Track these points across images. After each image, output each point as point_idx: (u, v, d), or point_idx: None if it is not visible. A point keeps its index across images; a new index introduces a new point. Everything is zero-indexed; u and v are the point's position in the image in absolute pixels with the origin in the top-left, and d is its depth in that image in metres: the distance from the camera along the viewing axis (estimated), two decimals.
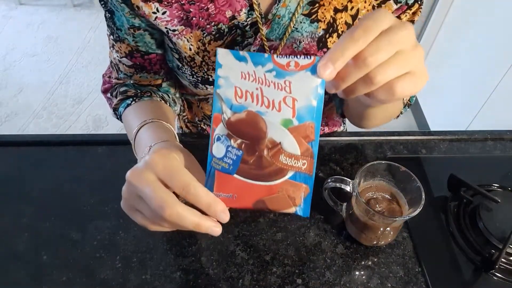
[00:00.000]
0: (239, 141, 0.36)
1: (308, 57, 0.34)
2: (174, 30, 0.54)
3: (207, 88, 0.61)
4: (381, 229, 0.56)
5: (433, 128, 1.95)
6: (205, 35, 0.54)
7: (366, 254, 0.59)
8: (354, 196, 0.56)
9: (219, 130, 0.37)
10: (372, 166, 0.57)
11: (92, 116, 2.16)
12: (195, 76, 0.59)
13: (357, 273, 0.57)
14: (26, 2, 2.93)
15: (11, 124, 2.11)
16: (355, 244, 0.60)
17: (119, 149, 0.71)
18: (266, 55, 0.35)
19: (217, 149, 0.37)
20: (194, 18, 0.53)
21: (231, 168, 0.37)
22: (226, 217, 0.37)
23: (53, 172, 0.69)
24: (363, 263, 0.58)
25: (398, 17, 0.58)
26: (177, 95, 0.72)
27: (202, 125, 0.81)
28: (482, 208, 0.62)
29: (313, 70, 0.34)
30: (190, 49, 0.56)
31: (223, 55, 0.35)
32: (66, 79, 2.36)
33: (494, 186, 0.67)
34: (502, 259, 0.57)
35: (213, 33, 0.54)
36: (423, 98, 2.06)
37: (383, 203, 0.57)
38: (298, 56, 0.34)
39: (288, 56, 0.35)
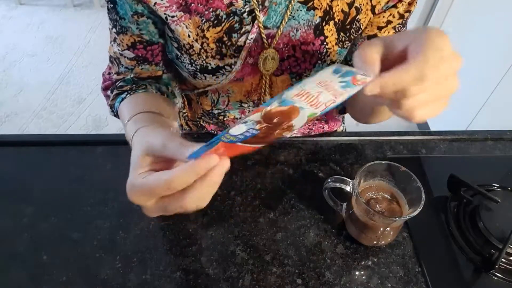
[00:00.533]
0: (264, 125, 0.36)
1: (368, 75, 0.37)
2: (173, 16, 0.54)
3: (205, 78, 0.61)
4: (381, 229, 0.56)
5: (433, 128, 1.94)
6: (203, 21, 0.54)
7: (366, 254, 0.59)
8: (354, 196, 0.56)
9: (252, 117, 0.36)
10: (372, 166, 0.57)
11: (92, 116, 2.16)
12: (193, 65, 0.59)
13: (357, 273, 0.57)
14: (26, 2, 2.93)
15: (11, 124, 2.11)
16: (355, 244, 0.60)
17: (119, 149, 0.71)
18: (354, 69, 0.36)
19: (237, 129, 0.36)
20: (192, 4, 0.53)
21: (238, 140, 0.36)
22: (226, 162, 0.36)
23: (53, 172, 0.69)
24: (363, 263, 0.58)
25: (395, 6, 0.58)
26: (177, 89, 0.72)
27: (201, 122, 0.81)
28: (482, 208, 0.62)
29: (356, 87, 0.37)
30: (189, 36, 0.56)
31: (326, 70, 0.37)
32: (66, 79, 2.36)
33: (494, 186, 0.67)
34: (502, 259, 0.57)
35: (212, 19, 0.54)
36: None
37: (383, 203, 0.57)
38: (365, 75, 0.37)
39: (366, 76, 0.36)
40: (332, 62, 0.61)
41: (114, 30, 0.59)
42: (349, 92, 0.37)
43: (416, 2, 0.60)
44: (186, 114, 0.83)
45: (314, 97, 0.36)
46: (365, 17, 0.59)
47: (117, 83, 0.65)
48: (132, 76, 0.65)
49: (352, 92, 0.37)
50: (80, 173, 0.69)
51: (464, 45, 1.72)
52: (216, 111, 0.73)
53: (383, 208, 0.56)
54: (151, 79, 0.66)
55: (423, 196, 0.53)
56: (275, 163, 0.71)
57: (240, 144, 0.37)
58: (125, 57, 0.62)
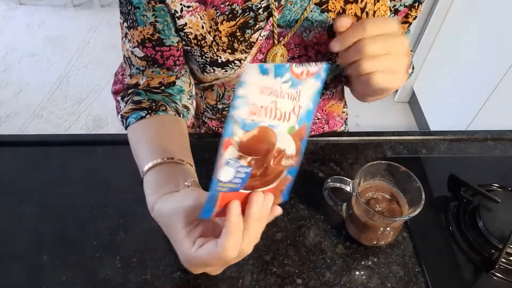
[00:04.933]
0: (249, 158, 0.35)
1: (316, 63, 0.35)
2: (188, 7, 0.54)
3: (214, 71, 0.60)
4: (381, 229, 0.56)
5: (433, 128, 1.95)
6: (218, 14, 0.54)
7: (366, 254, 0.59)
8: (354, 196, 0.56)
9: (229, 154, 0.35)
10: (372, 166, 0.57)
11: (92, 116, 2.16)
12: (203, 57, 0.59)
13: (357, 273, 0.57)
14: (26, 2, 2.93)
15: (11, 124, 2.11)
16: (355, 244, 0.60)
17: (119, 149, 0.71)
18: (286, 65, 0.34)
19: (225, 174, 0.35)
20: None
21: (239, 186, 0.36)
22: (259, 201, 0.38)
23: (53, 172, 0.69)
24: (363, 263, 0.58)
25: (406, 16, 0.61)
26: (193, 92, 0.70)
27: (204, 118, 0.81)
28: (482, 208, 0.62)
29: (318, 76, 0.35)
30: (203, 27, 0.56)
31: (249, 70, 0.33)
32: (66, 79, 2.36)
33: (494, 186, 0.67)
34: (502, 259, 0.57)
35: (227, 13, 0.54)
36: (423, 98, 2.06)
37: (383, 203, 0.57)
38: (309, 64, 0.35)
39: (303, 64, 0.34)
40: None
41: (125, 24, 0.58)
42: (305, 89, 0.35)
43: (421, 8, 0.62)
44: None
45: (273, 109, 0.34)
46: None
47: (132, 96, 0.63)
48: (144, 80, 0.63)
49: (307, 88, 0.35)
50: (80, 173, 0.69)
51: (464, 45, 1.72)
52: (220, 106, 0.73)
53: (383, 208, 0.56)
54: (164, 86, 0.65)
55: (423, 196, 0.53)
56: None
57: (244, 191, 0.36)
58: (135, 55, 0.60)
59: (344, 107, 0.88)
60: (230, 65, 0.59)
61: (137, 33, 0.58)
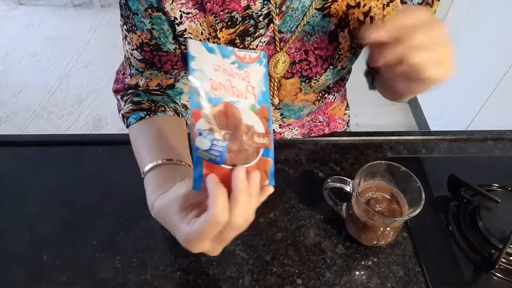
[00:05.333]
0: (223, 132, 0.38)
1: (255, 51, 0.41)
2: (188, 13, 0.54)
3: None
4: (381, 229, 0.56)
5: (433, 128, 1.95)
6: (217, 21, 0.54)
7: (366, 254, 0.59)
8: (354, 196, 0.56)
9: (200, 125, 0.37)
10: (372, 166, 0.57)
11: (92, 116, 2.16)
12: None
13: (357, 273, 0.57)
14: (26, 2, 2.93)
15: (11, 124, 2.11)
16: (355, 244, 0.60)
17: (119, 149, 0.71)
18: (229, 48, 0.38)
19: (201, 143, 0.38)
20: (208, 4, 0.53)
21: (218, 159, 0.38)
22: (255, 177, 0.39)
23: (53, 172, 0.69)
24: (363, 263, 0.58)
25: None
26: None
27: None
28: (482, 208, 0.62)
29: (260, 61, 0.40)
30: (202, 34, 0.56)
31: (195, 47, 0.37)
32: (66, 79, 2.36)
33: (494, 186, 0.67)
34: (502, 259, 0.57)
35: (226, 20, 0.54)
36: (423, 98, 2.06)
37: (383, 203, 0.57)
38: (249, 51, 0.40)
39: (243, 50, 0.40)
40: (342, 68, 0.62)
41: (125, 27, 0.59)
42: (253, 72, 0.40)
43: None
44: None
45: (229, 87, 0.39)
46: None
47: (132, 96, 0.64)
48: (143, 81, 0.64)
49: (254, 72, 0.40)
50: (80, 173, 0.69)
51: (464, 45, 1.72)
52: None
53: (383, 208, 0.56)
54: (163, 88, 0.65)
55: (423, 196, 0.53)
56: (275, 163, 0.71)
57: (227, 167, 0.38)
58: (134, 57, 0.61)
59: (346, 109, 0.88)
60: None
61: (136, 37, 0.58)
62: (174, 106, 0.65)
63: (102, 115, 2.16)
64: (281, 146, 0.74)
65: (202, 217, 0.38)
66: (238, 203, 0.37)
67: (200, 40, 0.57)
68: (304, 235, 0.61)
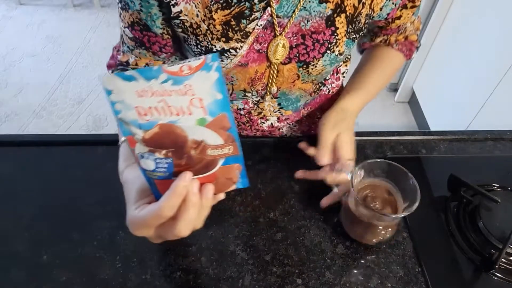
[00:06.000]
0: (164, 151, 0.38)
1: (198, 58, 0.35)
2: None
3: None
4: (380, 227, 0.56)
5: (433, 128, 1.95)
6: (212, 2, 0.55)
7: (366, 254, 0.59)
8: (352, 191, 0.56)
9: (138, 149, 0.37)
10: (369, 164, 0.57)
11: (92, 116, 2.16)
12: (199, 46, 0.60)
13: (357, 273, 0.57)
14: (26, 2, 2.93)
15: (11, 124, 2.11)
16: (355, 244, 0.60)
17: (119, 149, 0.71)
18: (155, 67, 0.34)
19: (146, 164, 0.38)
20: None
21: (167, 174, 0.39)
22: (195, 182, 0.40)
23: (53, 172, 0.69)
24: (363, 263, 0.58)
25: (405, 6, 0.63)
26: None
27: None
28: (482, 208, 0.62)
29: (207, 68, 0.35)
30: (197, 15, 0.56)
31: (109, 81, 0.34)
32: (66, 79, 2.37)
33: (494, 186, 0.67)
34: (502, 259, 0.57)
35: (221, 1, 0.55)
36: (423, 98, 2.06)
37: (379, 201, 0.57)
38: (189, 60, 0.35)
39: (178, 62, 0.35)
40: (340, 53, 0.62)
41: (119, 4, 0.60)
42: (197, 83, 0.35)
43: None
44: None
45: (165, 108, 0.35)
46: (365, 10, 0.60)
47: (120, 70, 0.66)
48: (133, 59, 0.65)
49: (199, 82, 0.35)
50: (80, 173, 0.69)
51: (464, 45, 1.72)
52: None
53: (379, 206, 0.56)
54: None
55: (419, 194, 0.52)
56: (275, 163, 0.71)
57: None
58: (126, 35, 0.63)
59: None
60: (225, 54, 0.59)
61: (128, 15, 0.59)
62: None
63: (102, 115, 2.16)
64: (281, 145, 0.74)
65: (150, 206, 0.40)
66: (187, 214, 0.39)
67: (196, 23, 0.57)
68: (304, 235, 0.61)
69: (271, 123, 0.76)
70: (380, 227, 0.56)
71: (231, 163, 0.41)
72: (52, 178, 0.68)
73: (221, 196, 0.44)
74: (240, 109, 0.73)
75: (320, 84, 0.74)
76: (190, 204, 0.39)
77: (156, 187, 0.41)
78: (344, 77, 0.78)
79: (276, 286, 0.56)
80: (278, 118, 0.75)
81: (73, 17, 2.83)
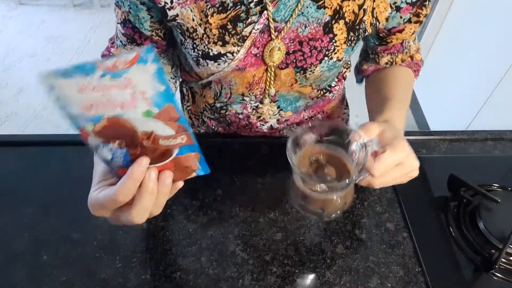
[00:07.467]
0: (117, 141, 0.38)
1: (131, 52, 0.34)
2: None
3: (207, 64, 0.61)
4: (336, 199, 0.50)
5: (433, 128, 1.95)
6: (208, 7, 0.55)
7: (366, 254, 0.59)
8: (295, 169, 0.49)
9: (91, 141, 0.38)
10: (312, 128, 0.51)
11: None
12: (196, 50, 0.60)
13: (357, 273, 0.57)
14: (26, 2, 2.93)
15: (11, 124, 2.11)
16: (355, 244, 0.60)
17: None
18: (90, 62, 0.34)
19: (103, 155, 0.39)
20: None
21: (124, 162, 0.40)
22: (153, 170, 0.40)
23: (53, 172, 0.69)
24: (363, 263, 0.58)
25: (417, 15, 0.61)
26: (177, 73, 0.73)
27: (203, 117, 0.81)
28: (482, 208, 0.62)
29: (143, 61, 0.35)
30: (193, 20, 0.56)
31: (48, 79, 0.34)
32: None
33: (494, 186, 0.67)
34: (502, 259, 0.57)
35: (217, 5, 0.55)
36: (423, 98, 2.07)
37: (328, 169, 0.50)
38: (121, 55, 0.34)
39: (107, 58, 0.34)
40: (338, 60, 0.62)
41: (114, 0, 0.61)
42: (136, 76, 0.35)
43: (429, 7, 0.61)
44: (189, 108, 0.83)
45: (108, 101, 0.35)
46: (368, 19, 0.59)
47: None
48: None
49: (138, 75, 0.35)
50: (80, 173, 0.69)
51: (464, 45, 1.72)
52: (218, 105, 0.73)
53: (330, 176, 0.49)
54: None
55: (364, 145, 0.47)
56: (275, 163, 0.71)
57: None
58: (119, 30, 0.63)
59: (345, 109, 0.88)
60: (222, 58, 0.59)
61: (120, 12, 0.60)
62: None
63: None
64: (281, 145, 0.74)
65: (107, 190, 0.41)
66: (142, 201, 0.40)
67: (192, 27, 0.57)
68: (304, 235, 0.61)
69: (271, 125, 0.76)
70: (336, 198, 0.51)
71: (186, 152, 0.41)
72: (52, 178, 0.68)
73: (180, 184, 0.44)
74: (239, 114, 0.73)
75: (325, 90, 0.73)
76: (146, 191, 0.39)
77: (117, 176, 0.41)
78: (345, 80, 0.78)
79: (276, 286, 0.56)
80: (277, 120, 0.75)
81: (73, 17, 2.83)
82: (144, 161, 0.39)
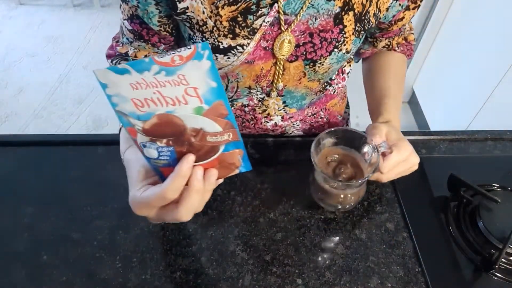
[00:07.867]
0: (164, 140, 0.39)
1: (189, 47, 0.35)
2: None
3: (217, 58, 0.61)
4: (342, 195, 0.58)
5: (433, 128, 1.95)
6: None
7: (366, 254, 0.59)
8: (316, 168, 0.56)
9: (140, 139, 0.39)
10: (330, 133, 0.59)
11: (92, 116, 2.16)
12: None
13: (357, 273, 0.57)
14: (26, 2, 2.93)
15: (11, 124, 2.11)
16: (355, 244, 0.60)
17: (119, 149, 0.71)
18: (147, 59, 0.34)
19: (149, 153, 0.40)
20: None
21: (171, 162, 0.40)
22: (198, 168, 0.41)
23: (53, 172, 0.69)
24: (363, 263, 0.58)
25: (415, 1, 0.63)
26: None
27: None
28: (482, 208, 0.62)
29: (199, 56, 0.35)
30: (203, 12, 0.56)
31: (103, 75, 0.35)
32: (66, 79, 2.36)
33: (494, 186, 0.67)
34: (502, 259, 0.57)
35: None
36: (423, 98, 2.06)
37: (345, 169, 0.58)
38: (179, 50, 0.34)
39: (168, 52, 0.35)
40: (347, 52, 0.62)
41: None
42: (190, 72, 0.35)
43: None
44: None
45: (160, 98, 0.36)
46: (372, 9, 0.60)
47: (120, 59, 0.66)
48: (132, 51, 0.66)
49: (192, 71, 0.35)
50: (80, 173, 0.69)
51: (464, 45, 1.72)
52: None
53: (346, 176, 0.58)
54: None
55: (379, 156, 0.55)
56: (275, 163, 0.71)
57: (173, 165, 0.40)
58: (125, 27, 0.63)
59: (346, 108, 0.88)
60: (232, 51, 0.59)
61: (127, 8, 0.60)
62: None
63: (102, 115, 2.16)
64: (281, 145, 0.74)
65: (154, 188, 0.41)
66: (190, 199, 0.40)
67: (202, 20, 0.57)
68: (304, 235, 0.61)
69: (275, 122, 0.76)
70: (341, 194, 0.59)
71: (232, 149, 0.42)
72: (52, 178, 0.68)
73: (220, 180, 0.45)
74: (245, 106, 0.73)
75: (326, 84, 0.74)
76: (194, 190, 0.40)
77: (162, 174, 0.42)
78: (348, 77, 0.78)
79: (276, 286, 0.56)
80: (282, 117, 0.75)
81: (73, 17, 2.83)
82: (191, 158, 0.40)
